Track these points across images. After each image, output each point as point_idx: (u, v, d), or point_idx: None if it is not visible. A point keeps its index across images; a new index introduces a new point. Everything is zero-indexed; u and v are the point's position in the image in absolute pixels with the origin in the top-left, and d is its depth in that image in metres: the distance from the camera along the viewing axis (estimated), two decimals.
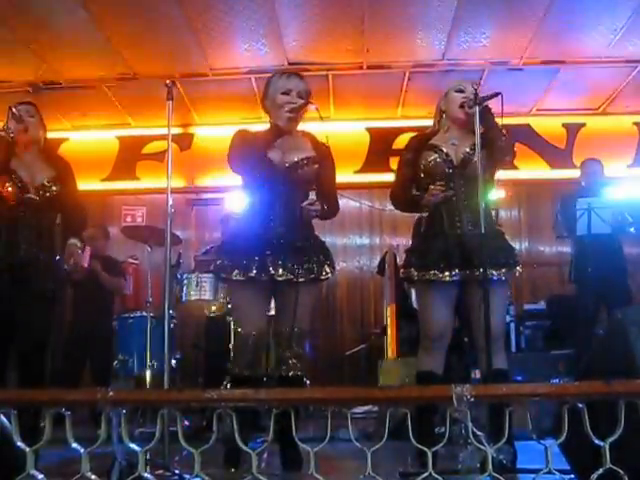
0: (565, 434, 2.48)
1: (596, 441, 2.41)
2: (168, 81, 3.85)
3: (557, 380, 5.54)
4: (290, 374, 3.79)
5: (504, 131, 3.80)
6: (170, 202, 3.84)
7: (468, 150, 3.84)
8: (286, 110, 3.74)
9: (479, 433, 2.61)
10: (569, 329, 6.76)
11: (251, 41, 6.60)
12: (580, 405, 2.49)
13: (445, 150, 3.87)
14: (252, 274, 3.67)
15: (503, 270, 3.75)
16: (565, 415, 2.57)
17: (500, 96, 3.63)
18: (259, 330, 3.73)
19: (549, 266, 8.39)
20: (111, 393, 2.37)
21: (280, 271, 3.68)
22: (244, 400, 2.58)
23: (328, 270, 3.82)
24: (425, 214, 3.95)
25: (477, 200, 3.67)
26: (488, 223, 3.72)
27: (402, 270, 3.96)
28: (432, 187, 3.75)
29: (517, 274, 3.85)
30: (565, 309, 7.21)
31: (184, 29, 6.27)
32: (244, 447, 2.35)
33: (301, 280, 3.70)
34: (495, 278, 3.69)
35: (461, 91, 3.92)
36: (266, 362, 4.08)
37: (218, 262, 3.83)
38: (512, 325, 7.25)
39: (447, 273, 3.73)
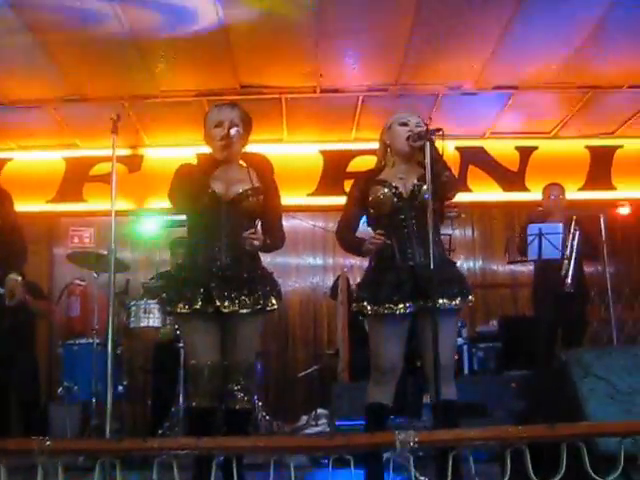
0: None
1: None
2: (113, 115, 3.77)
3: None
4: (237, 407, 3.73)
5: (447, 166, 3.83)
6: (113, 237, 3.77)
7: (416, 182, 3.86)
8: (217, 140, 3.76)
9: (422, 479, 2.58)
10: (522, 349, 6.81)
11: (202, 63, 6.50)
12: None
13: (394, 184, 3.88)
14: (197, 306, 3.63)
15: (457, 300, 3.76)
16: (508, 458, 2.55)
17: (442, 132, 3.66)
18: (213, 360, 3.66)
19: (503, 287, 8.47)
20: (48, 442, 2.28)
21: (226, 303, 3.64)
22: (186, 448, 2.52)
23: (274, 302, 3.78)
24: None
25: (427, 231, 3.66)
26: (439, 253, 3.76)
27: (354, 304, 3.93)
28: (372, 236, 3.76)
29: (470, 304, 3.86)
30: (517, 330, 7.27)
31: (133, 50, 6.14)
32: None
33: (246, 311, 3.68)
34: (448, 308, 3.70)
35: (405, 124, 3.93)
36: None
37: (164, 295, 3.80)
38: (465, 347, 7.26)
39: (401, 306, 3.73)
